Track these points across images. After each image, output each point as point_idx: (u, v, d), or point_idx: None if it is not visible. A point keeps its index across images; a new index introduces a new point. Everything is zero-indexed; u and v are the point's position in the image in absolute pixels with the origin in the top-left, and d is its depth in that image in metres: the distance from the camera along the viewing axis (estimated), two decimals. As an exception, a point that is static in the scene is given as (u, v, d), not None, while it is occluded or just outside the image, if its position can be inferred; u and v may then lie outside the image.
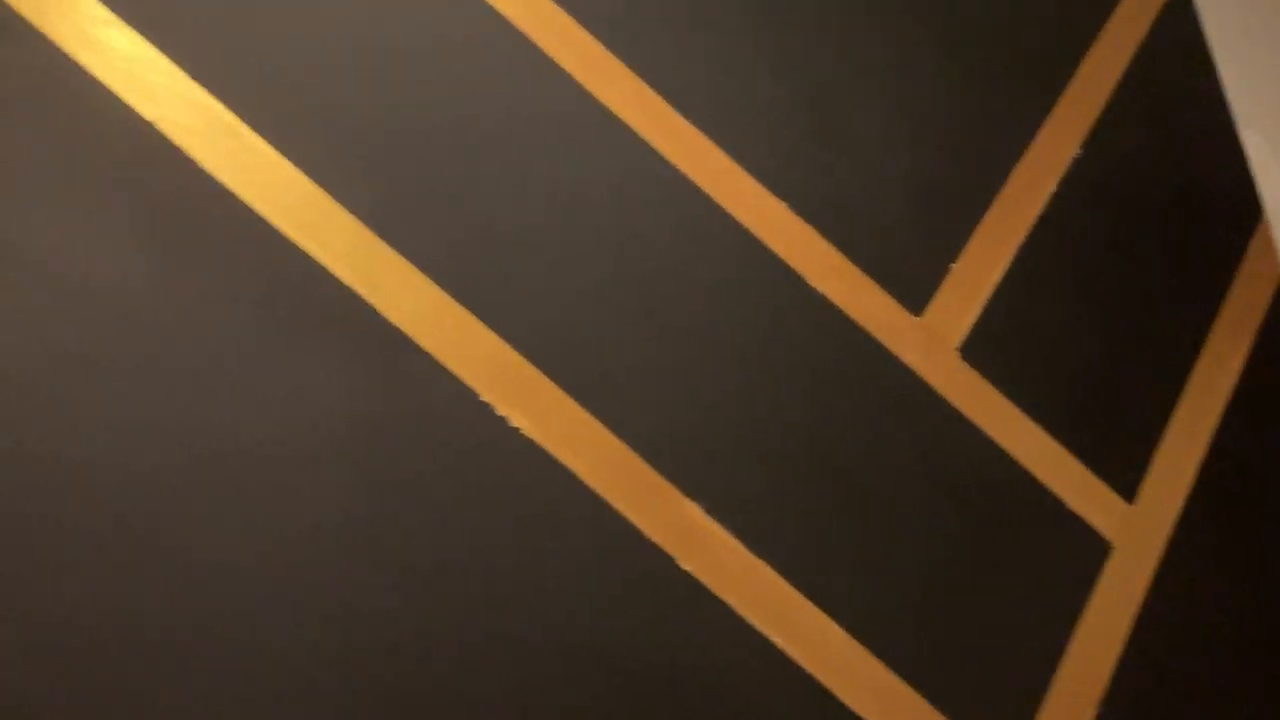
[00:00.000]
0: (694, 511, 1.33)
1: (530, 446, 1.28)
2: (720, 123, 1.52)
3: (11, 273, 1.14)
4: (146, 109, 1.25)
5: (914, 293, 1.56)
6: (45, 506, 1.10)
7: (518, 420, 1.28)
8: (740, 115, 1.54)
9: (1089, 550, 1.55)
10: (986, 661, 1.45)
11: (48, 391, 1.12)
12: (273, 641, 1.13)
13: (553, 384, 1.32)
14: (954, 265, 1.61)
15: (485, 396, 1.28)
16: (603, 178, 1.43)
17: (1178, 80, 1.94)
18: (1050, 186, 1.73)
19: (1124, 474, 1.62)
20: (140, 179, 1.22)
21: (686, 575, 1.31)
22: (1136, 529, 1.60)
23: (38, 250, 1.17)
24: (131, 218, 1.21)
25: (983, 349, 1.58)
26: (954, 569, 1.47)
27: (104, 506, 1.11)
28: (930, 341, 1.54)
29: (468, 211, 1.35)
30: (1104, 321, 1.70)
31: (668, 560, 1.30)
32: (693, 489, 1.33)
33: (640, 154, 1.45)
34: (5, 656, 1.04)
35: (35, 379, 1.12)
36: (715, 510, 1.34)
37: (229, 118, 1.28)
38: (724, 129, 1.52)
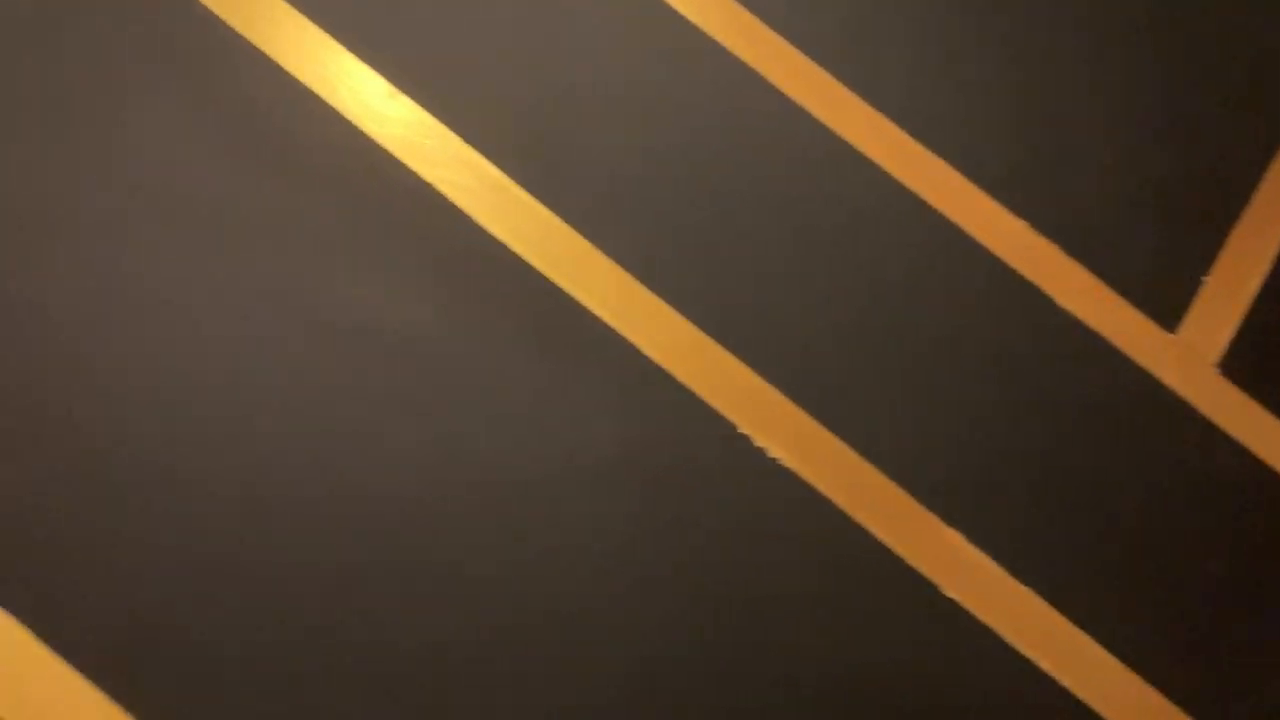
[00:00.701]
0: (955, 538, 1.32)
1: (790, 477, 1.31)
2: (954, 144, 1.52)
3: (316, 324, 1.26)
4: (425, 171, 1.35)
5: (1166, 309, 1.51)
6: (367, 543, 1.21)
7: (776, 451, 1.31)
8: (973, 134, 1.54)
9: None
10: (1265, 690, 1.38)
11: (366, 430, 1.23)
12: (550, 663, 1.19)
13: (807, 415, 1.34)
14: (1206, 278, 1.55)
15: (744, 428, 1.32)
16: (844, 207, 1.45)
17: None
18: (1307, 189, 1.64)
19: None
20: (422, 235, 1.33)
21: (951, 602, 1.30)
22: None
23: (338, 302, 1.29)
24: (417, 269, 1.31)
25: (1244, 364, 1.51)
26: (1227, 594, 1.40)
27: (417, 537, 1.21)
28: (1187, 358, 1.49)
29: (719, 250, 1.40)
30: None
31: (931, 588, 1.30)
32: (953, 516, 1.33)
33: (881, 184, 1.47)
34: (326, 682, 1.14)
35: (349, 419, 1.23)
36: (976, 537, 1.33)
37: (497, 174, 1.37)
38: (958, 150, 1.52)
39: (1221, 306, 1.54)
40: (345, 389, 1.26)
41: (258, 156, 1.32)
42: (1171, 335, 1.51)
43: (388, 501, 1.23)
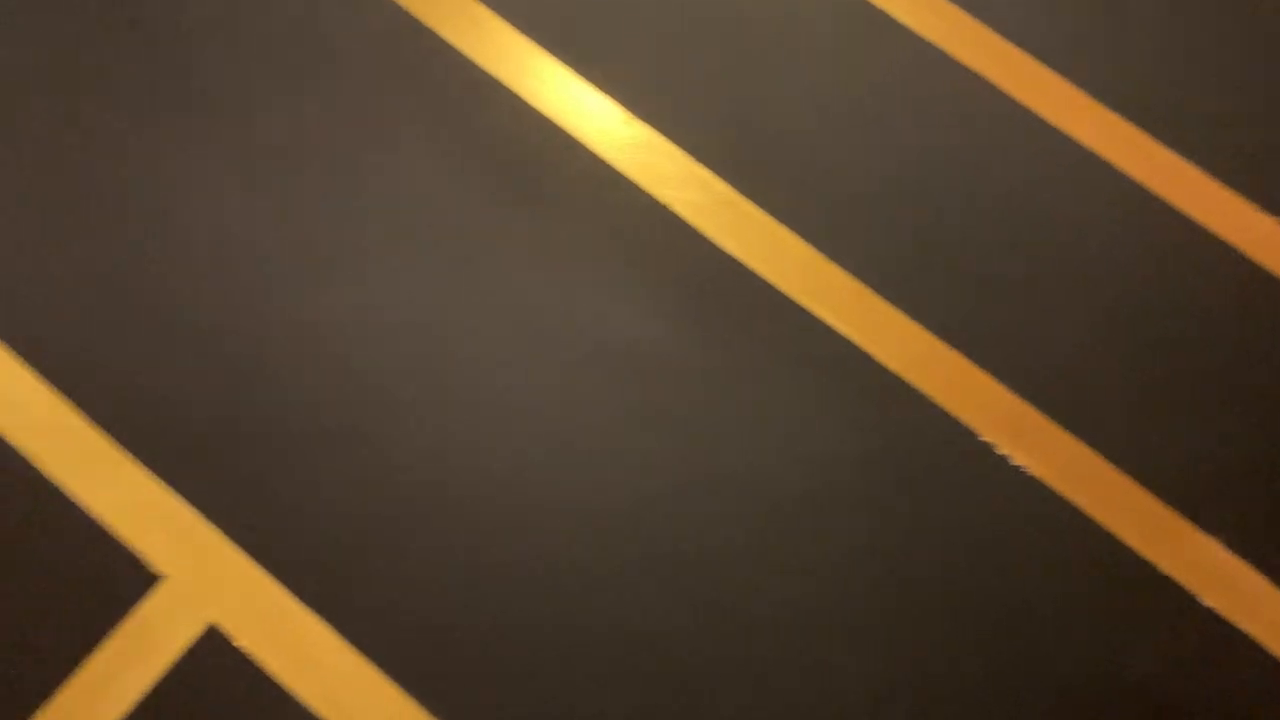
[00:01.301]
0: (1213, 546, 1.29)
1: (1036, 485, 1.30)
2: (1201, 141, 1.47)
3: (560, 342, 1.33)
4: (660, 191, 1.40)
5: None
6: (613, 548, 1.27)
7: (1020, 459, 1.31)
8: (1218, 129, 1.49)
9: None
10: None
11: (611, 443, 1.29)
12: (792, 666, 1.22)
13: (1050, 421, 1.33)
14: None
15: (986, 436, 1.32)
16: (1082, 212, 1.43)
17: None
18: None
19: None
20: (660, 254, 1.38)
21: (1209, 612, 1.27)
22: None
23: (582, 321, 1.35)
24: (656, 287, 1.36)
25: None
26: None
27: (661, 543, 1.26)
28: None
29: (954, 259, 1.40)
30: None
31: (1187, 597, 1.28)
32: (1210, 523, 1.30)
33: (1119, 187, 1.44)
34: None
35: (593, 433, 1.30)
36: (1237, 545, 1.29)
37: (729, 191, 1.41)
38: (1204, 146, 1.47)
39: None
40: (589, 404, 1.32)
41: (505, 187, 1.39)
42: None
43: (635, 507, 1.29)
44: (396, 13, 1.46)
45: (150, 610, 1.21)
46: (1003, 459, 1.31)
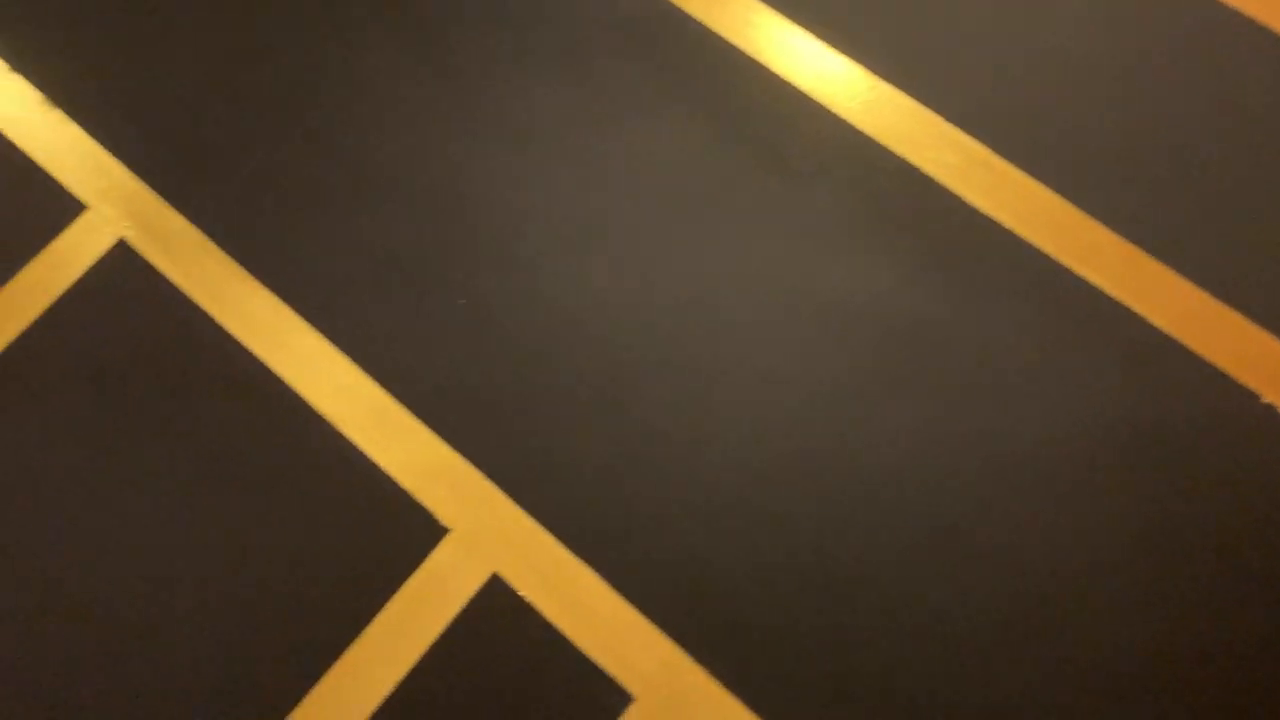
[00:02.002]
0: None
1: (1328, 449, 1.23)
2: None
3: (818, 308, 1.34)
4: (911, 154, 1.39)
5: None
6: (865, 508, 1.28)
7: (1309, 421, 1.24)
8: None
9: None
10: None
11: (869, 410, 1.30)
12: (1055, 631, 1.20)
13: (1344, 382, 1.25)
14: None
15: (1268, 398, 1.25)
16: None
17: None
18: None
19: None
20: (914, 217, 1.37)
21: None
22: None
23: (839, 288, 1.36)
24: (911, 252, 1.36)
25: None
26: None
27: (915, 508, 1.26)
28: None
29: (1226, 214, 1.33)
30: None
31: None
32: None
33: None
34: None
35: (851, 397, 1.31)
36: None
37: (982, 151, 1.38)
38: None
39: None
40: (849, 372, 1.33)
41: (757, 157, 1.41)
42: None
43: (898, 474, 1.29)
44: (641, -10, 1.50)
45: (439, 560, 1.30)
46: (1289, 422, 1.25)
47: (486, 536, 1.30)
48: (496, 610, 1.29)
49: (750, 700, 1.24)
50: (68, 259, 1.40)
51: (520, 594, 1.29)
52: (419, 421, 1.34)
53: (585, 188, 1.42)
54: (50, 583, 1.29)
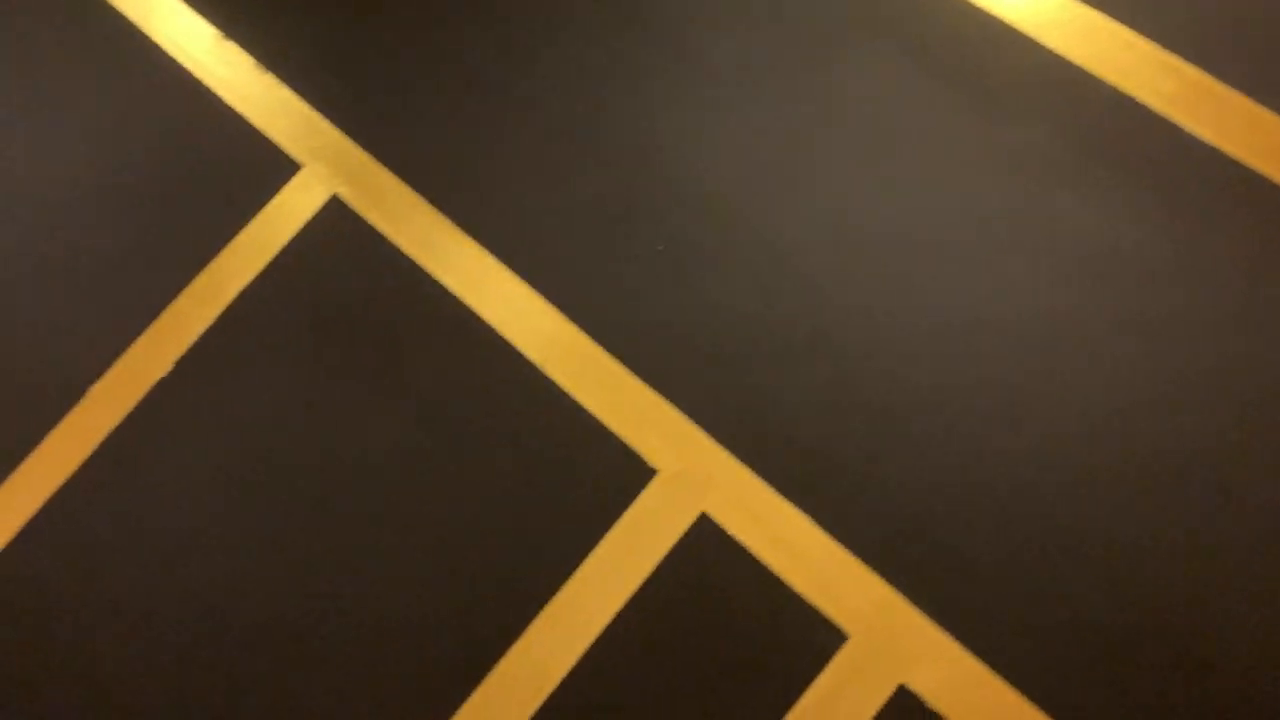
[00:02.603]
0: None
1: None
2: None
3: (1038, 249, 1.30)
4: (1124, 82, 1.34)
5: None
6: (1090, 449, 1.24)
7: None
8: None
9: None
10: None
11: (1080, 343, 1.26)
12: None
13: None
14: None
15: None
16: None
17: None
18: None
19: None
20: (1129, 148, 1.32)
21: None
22: None
23: (1055, 221, 1.32)
24: (1131, 185, 1.31)
25: None
26: None
27: (1141, 449, 1.22)
28: None
29: None
30: None
31: None
32: None
33: None
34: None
35: (1075, 338, 1.27)
36: None
37: (1203, 78, 1.32)
38: None
39: None
40: (1064, 311, 1.29)
41: (962, 92, 1.38)
42: None
43: (1117, 413, 1.25)
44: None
45: (648, 502, 1.33)
46: None
47: (694, 478, 1.32)
48: (706, 550, 1.30)
49: (968, 641, 1.23)
50: (285, 216, 1.47)
51: (729, 533, 1.30)
52: (624, 367, 1.37)
53: (785, 130, 1.41)
54: (274, 509, 1.36)
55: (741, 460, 1.32)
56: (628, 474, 1.33)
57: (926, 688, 1.23)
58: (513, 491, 1.34)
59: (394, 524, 1.35)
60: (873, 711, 1.24)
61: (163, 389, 1.43)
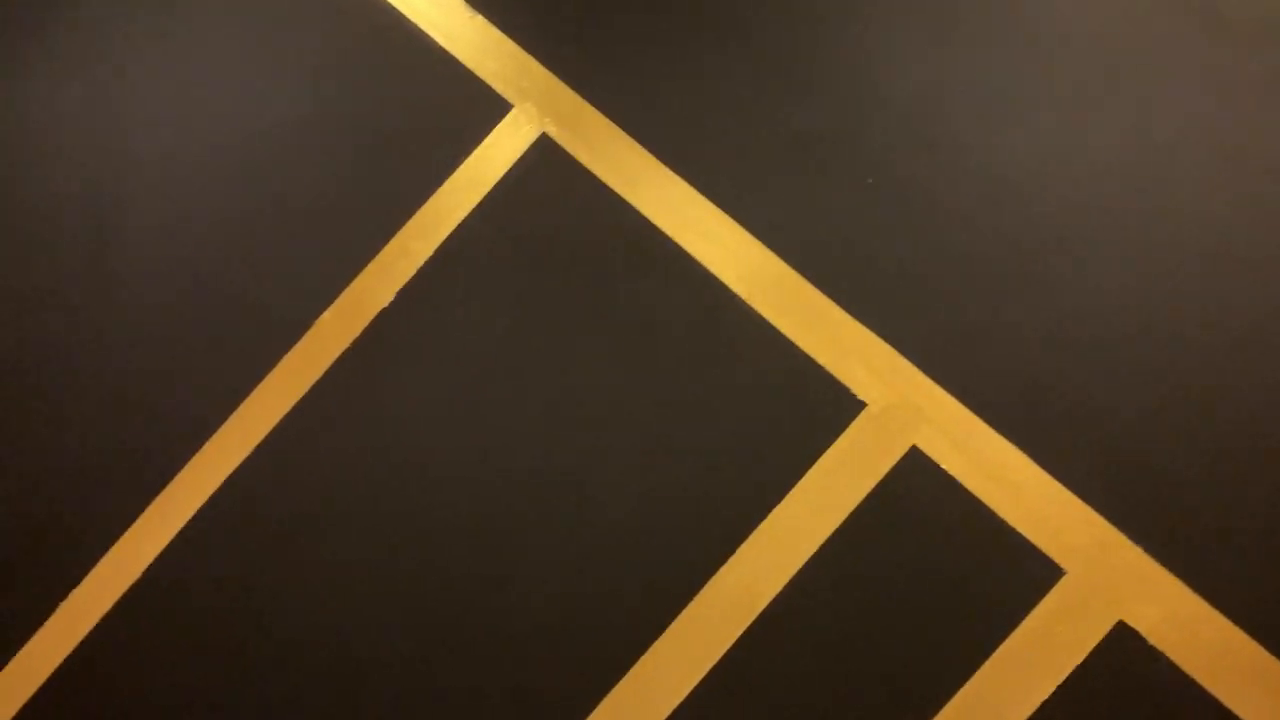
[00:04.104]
0: None
1: None
2: None
3: (1263, 171, 1.25)
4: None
5: None
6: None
7: None
8: None
9: None
10: None
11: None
12: None
13: None
14: None
15: None
16: None
17: None
18: None
19: None
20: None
21: None
22: None
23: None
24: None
25: None
26: None
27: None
28: None
29: None
30: None
31: None
32: None
33: None
34: None
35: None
36: None
37: None
38: None
39: None
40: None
41: (1193, 15, 1.33)
42: None
43: None
44: None
45: (855, 435, 1.34)
46: None
47: (904, 411, 1.33)
48: (916, 483, 1.31)
49: (1190, 579, 1.21)
50: (496, 154, 1.52)
51: (941, 467, 1.31)
52: (831, 300, 1.38)
53: (1000, 60, 1.38)
54: (491, 435, 1.43)
55: (954, 394, 1.32)
56: (835, 407, 1.35)
57: (1147, 624, 1.22)
58: (719, 422, 1.37)
59: (602, 450, 1.40)
60: (1090, 646, 1.23)
61: (385, 318, 1.50)
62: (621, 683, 1.35)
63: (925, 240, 1.36)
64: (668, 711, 1.33)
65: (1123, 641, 1.22)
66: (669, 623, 1.35)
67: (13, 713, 1.50)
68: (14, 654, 1.51)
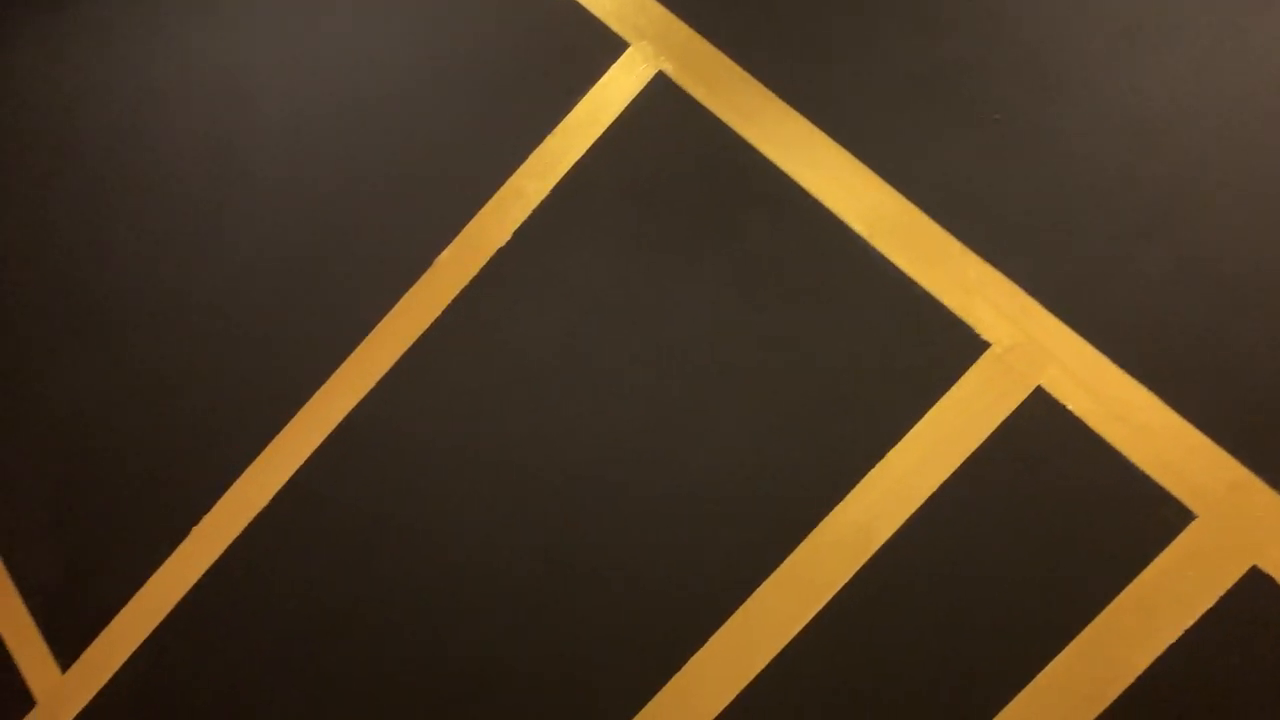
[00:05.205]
0: None
1: None
2: None
3: None
4: None
5: None
6: None
7: None
8: None
9: None
10: None
11: None
12: None
13: None
14: None
15: None
16: None
17: None
18: None
19: None
20: None
21: None
22: None
23: None
24: None
25: None
26: None
27: None
28: None
29: None
30: None
31: None
32: None
33: None
34: None
35: None
36: None
37: None
38: None
39: None
40: None
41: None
42: None
43: None
44: None
45: (981, 372, 1.32)
46: None
47: (1029, 352, 1.31)
48: (1041, 423, 1.30)
49: (1334, 525, 1.18)
50: (613, 93, 1.52)
51: (1067, 408, 1.29)
52: (955, 238, 1.36)
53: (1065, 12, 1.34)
54: (607, 371, 1.44)
55: (1082, 335, 1.30)
56: (958, 347, 1.33)
57: (1282, 570, 1.19)
58: (837, 358, 1.37)
59: (717, 388, 1.41)
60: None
61: (503, 256, 1.53)
62: (733, 618, 1.36)
63: (1052, 177, 1.33)
64: (779, 648, 1.34)
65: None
66: (782, 561, 1.36)
67: (186, 590, 1.58)
68: (168, 555, 1.59)
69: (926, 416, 1.33)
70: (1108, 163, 1.31)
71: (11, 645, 1.70)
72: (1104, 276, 1.30)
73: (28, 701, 1.67)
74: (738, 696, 1.35)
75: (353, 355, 1.56)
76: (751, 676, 1.35)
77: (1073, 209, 1.32)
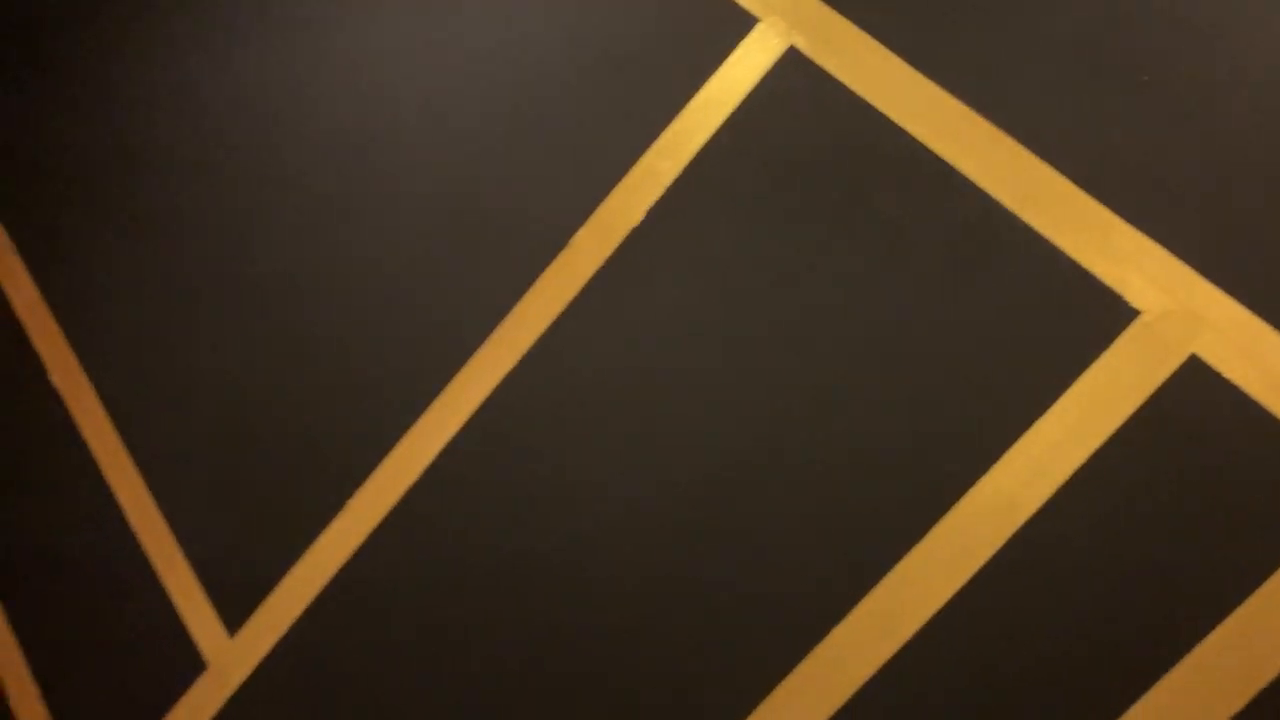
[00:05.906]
0: None
1: None
2: None
3: None
4: None
5: None
6: None
7: None
8: None
9: None
10: None
11: None
12: None
13: None
14: None
15: None
16: None
17: None
18: None
19: None
20: None
21: None
22: None
23: None
24: None
25: None
26: None
27: None
28: None
29: None
30: None
31: None
32: None
33: None
34: None
35: None
36: None
37: None
38: None
39: None
40: None
41: None
42: None
43: None
44: None
45: (1131, 341, 1.30)
46: None
47: (1182, 319, 1.27)
48: (1196, 393, 1.27)
49: None
50: (743, 69, 1.53)
51: (1225, 377, 1.26)
52: (1102, 204, 1.33)
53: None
54: (747, 343, 1.46)
55: (1239, 299, 1.26)
56: (1106, 315, 1.31)
57: None
58: (981, 332, 1.36)
59: (857, 358, 1.41)
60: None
61: (637, 236, 1.56)
62: (875, 589, 1.37)
63: (1204, 139, 1.29)
64: (924, 620, 1.35)
65: None
66: (924, 533, 1.36)
67: (348, 555, 1.67)
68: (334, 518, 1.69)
69: (1073, 387, 1.32)
70: (1260, 121, 1.26)
71: (183, 611, 1.82)
72: (1261, 238, 1.26)
73: (199, 664, 1.78)
74: (881, 668, 1.36)
75: (493, 334, 1.62)
76: (896, 648, 1.36)
77: (1225, 170, 1.27)
